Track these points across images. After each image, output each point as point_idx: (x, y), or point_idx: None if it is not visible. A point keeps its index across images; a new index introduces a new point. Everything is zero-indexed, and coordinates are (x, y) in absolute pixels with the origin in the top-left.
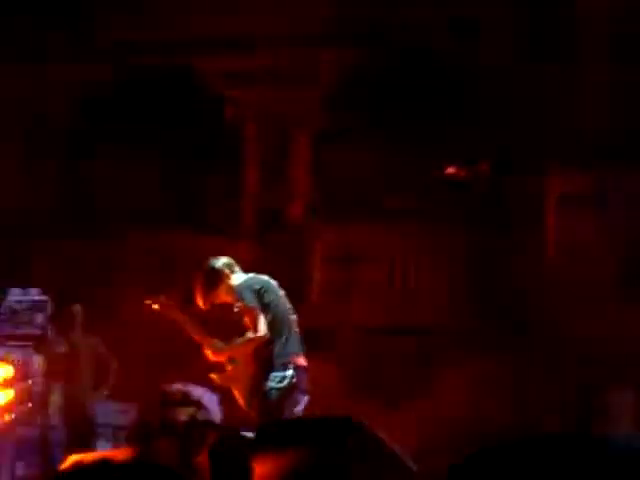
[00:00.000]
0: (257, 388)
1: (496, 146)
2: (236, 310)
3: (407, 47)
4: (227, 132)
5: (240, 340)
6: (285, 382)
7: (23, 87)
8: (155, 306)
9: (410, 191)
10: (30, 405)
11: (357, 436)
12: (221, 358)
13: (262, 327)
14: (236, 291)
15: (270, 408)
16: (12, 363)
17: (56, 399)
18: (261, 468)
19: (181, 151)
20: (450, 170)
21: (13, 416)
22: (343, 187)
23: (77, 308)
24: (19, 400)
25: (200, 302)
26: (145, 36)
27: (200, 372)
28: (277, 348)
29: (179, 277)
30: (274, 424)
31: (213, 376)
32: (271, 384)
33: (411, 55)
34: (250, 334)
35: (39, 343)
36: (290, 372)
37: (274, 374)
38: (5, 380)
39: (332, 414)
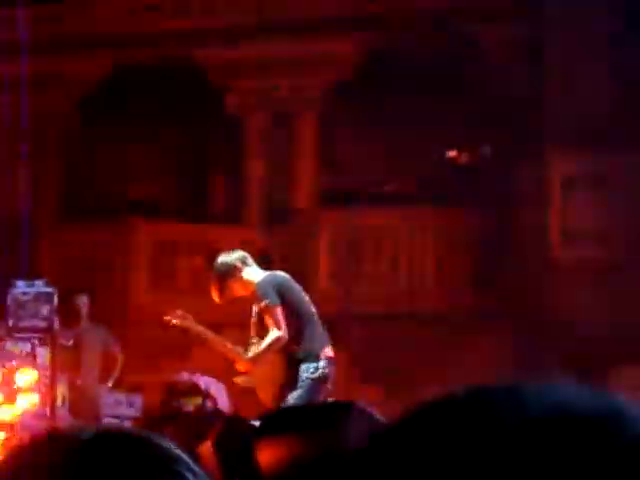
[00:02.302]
0: (287, 383)
1: (499, 129)
2: (257, 310)
3: (411, 33)
4: (230, 121)
5: (264, 345)
6: (318, 373)
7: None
8: (174, 321)
9: (415, 176)
10: (36, 397)
11: (356, 420)
12: (243, 366)
13: (282, 326)
14: (258, 290)
15: (303, 399)
16: (18, 356)
17: (62, 391)
18: (265, 456)
19: (184, 142)
20: (452, 154)
21: (20, 408)
22: (347, 173)
23: (83, 299)
24: (26, 393)
25: (216, 297)
26: (144, 27)
27: (206, 361)
28: (306, 342)
29: (184, 266)
30: (278, 412)
31: (237, 380)
32: (304, 374)
33: (413, 42)
34: (271, 336)
35: (45, 335)
36: (322, 363)
37: (307, 365)
38: (10, 372)
39: (336, 400)
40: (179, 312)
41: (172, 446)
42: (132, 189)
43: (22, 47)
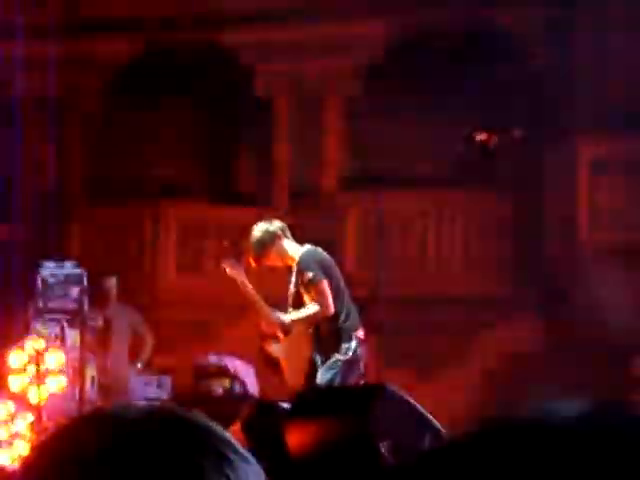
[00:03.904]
0: (314, 361)
1: (529, 113)
2: (294, 285)
3: (442, 15)
4: (259, 104)
5: (303, 313)
6: (350, 353)
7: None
8: (228, 270)
9: (442, 159)
10: (65, 379)
11: (387, 403)
12: (274, 329)
13: (330, 301)
14: (301, 263)
15: (335, 380)
16: (47, 337)
17: (92, 373)
18: (295, 438)
19: (213, 124)
20: (481, 137)
21: (49, 390)
22: (375, 156)
23: (112, 281)
24: (53, 374)
25: (251, 261)
26: (175, 9)
27: (235, 343)
28: (341, 320)
29: (213, 249)
30: (309, 394)
31: (266, 345)
32: (337, 355)
33: (445, 24)
34: (312, 309)
35: (74, 317)
36: (354, 343)
37: (339, 345)
38: (38, 353)
39: (367, 383)
40: (233, 261)
41: (218, 427)
42: (160, 171)
43: (53, 28)
